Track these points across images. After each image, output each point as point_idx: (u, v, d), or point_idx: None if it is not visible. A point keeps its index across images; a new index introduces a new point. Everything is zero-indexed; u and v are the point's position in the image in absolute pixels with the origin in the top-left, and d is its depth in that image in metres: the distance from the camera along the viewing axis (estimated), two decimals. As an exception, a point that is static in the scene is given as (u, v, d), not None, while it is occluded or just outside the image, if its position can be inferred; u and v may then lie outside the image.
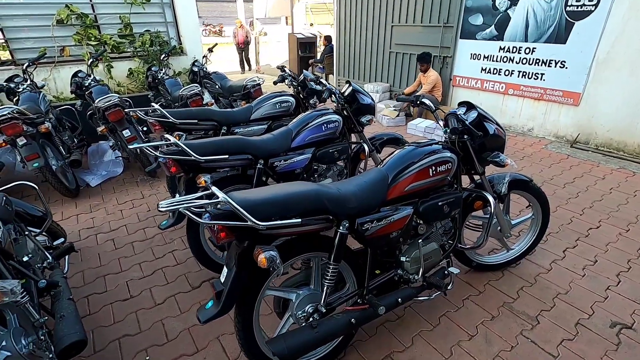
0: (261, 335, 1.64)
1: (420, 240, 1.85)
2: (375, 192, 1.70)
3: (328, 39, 8.76)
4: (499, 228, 2.29)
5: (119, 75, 5.96)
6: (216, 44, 5.56)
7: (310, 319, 1.66)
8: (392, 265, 1.90)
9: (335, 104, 2.85)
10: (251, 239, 1.46)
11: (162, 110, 2.85)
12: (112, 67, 5.81)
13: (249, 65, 11.67)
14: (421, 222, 1.87)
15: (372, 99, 2.89)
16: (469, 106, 2.02)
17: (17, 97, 3.88)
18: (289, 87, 3.57)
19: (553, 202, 3.39)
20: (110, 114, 3.44)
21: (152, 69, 4.99)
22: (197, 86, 3.89)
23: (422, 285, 1.92)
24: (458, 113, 1.88)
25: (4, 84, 3.97)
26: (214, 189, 1.37)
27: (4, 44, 5.18)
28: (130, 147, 1.99)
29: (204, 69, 5.24)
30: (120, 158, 4.23)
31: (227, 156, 2.20)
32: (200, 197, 1.43)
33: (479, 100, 5.78)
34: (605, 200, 3.44)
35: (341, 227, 1.59)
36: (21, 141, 3.15)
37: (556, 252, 2.68)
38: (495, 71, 5.45)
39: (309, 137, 2.60)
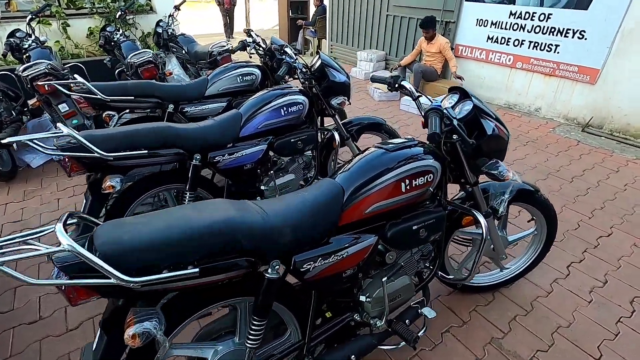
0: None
1: (385, 279, 1.40)
2: (323, 217, 1.22)
3: (319, -2, 7.88)
4: (492, 246, 1.83)
5: (77, 35, 5.28)
6: (184, 1, 4.83)
7: (230, 386, 1.24)
8: (349, 305, 1.46)
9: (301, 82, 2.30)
10: (125, 298, 1.00)
11: (87, 83, 2.30)
12: (68, 25, 5.12)
13: (232, 30, 10.36)
14: (390, 248, 1.41)
15: (347, 76, 2.33)
16: (462, 94, 1.50)
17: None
18: (250, 57, 2.98)
19: (558, 200, 2.93)
20: (39, 85, 2.87)
21: (107, 29, 4.31)
22: (148, 52, 3.28)
23: (386, 331, 1.49)
24: (444, 108, 1.36)
25: None
26: (58, 229, 0.89)
27: None
28: (4, 141, 1.49)
29: (169, 31, 4.56)
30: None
31: (144, 151, 1.69)
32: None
33: (483, 73, 5.15)
34: (618, 199, 2.97)
35: (269, 270, 1.13)
36: None
37: (559, 268, 2.25)
38: (503, 40, 4.78)
39: (264, 124, 2.08)
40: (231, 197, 2.14)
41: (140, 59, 3.21)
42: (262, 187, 2.18)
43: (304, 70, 2.28)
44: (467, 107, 1.44)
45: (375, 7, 6.32)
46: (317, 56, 2.30)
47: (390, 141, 1.44)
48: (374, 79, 1.83)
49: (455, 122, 1.30)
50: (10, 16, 4.83)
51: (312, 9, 8.49)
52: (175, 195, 2.12)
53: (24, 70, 2.88)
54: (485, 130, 1.40)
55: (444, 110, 1.32)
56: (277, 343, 1.38)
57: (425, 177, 1.36)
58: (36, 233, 0.99)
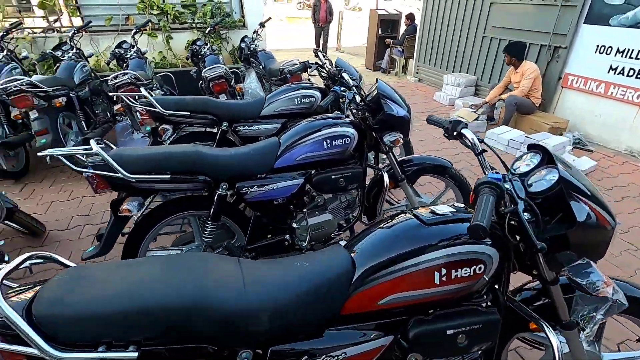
0: None
1: None
2: (320, 303, 0.95)
3: (410, 17, 7.51)
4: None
5: (178, 47, 5.80)
6: (269, 18, 4.97)
7: None
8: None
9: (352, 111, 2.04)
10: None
11: (151, 97, 2.38)
12: (171, 38, 5.66)
13: (325, 49, 10.36)
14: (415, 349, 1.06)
15: (407, 110, 1.98)
16: (546, 155, 1.07)
17: (57, 66, 3.85)
18: (309, 79, 2.81)
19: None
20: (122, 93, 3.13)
21: (197, 42, 4.62)
22: (221, 67, 3.37)
23: None
24: (509, 181, 0.96)
25: (48, 52, 3.97)
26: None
27: (74, 9, 5.34)
28: (40, 154, 1.55)
29: (252, 46, 4.71)
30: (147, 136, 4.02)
31: (168, 176, 1.61)
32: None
33: (598, 110, 4.24)
34: None
35: (238, 363, 0.89)
36: (33, 115, 3.02)
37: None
38: (632, 72, 3.86)
39: (303, 156, 1.87)
40: (258, 230, 1.97)
41: (212, 74, 3.30)
42: (294, 225, 1.97)
43: (357, 99, 2.02)
44: (552, 177, 1.01)
45: (470, 27, 5.75)
46: (375, 84, 2.02)
47: (434, 208, 1.09)
48: (430, 120, 1.48)
49: (521, 207, 0.89)
50: (127, 29, 5.53)
51: (403, 28, 8.18)
52: (201, 221, 2.03)
53: (113, 79, 3.16)
54: (574, 216, 0.96)
55: (507, 188, 0.92)
56: None
57: (472, 269, 0.98)
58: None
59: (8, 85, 2.82)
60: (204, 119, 2.53)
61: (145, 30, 5.01)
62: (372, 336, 0.99)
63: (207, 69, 3.38)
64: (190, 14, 5.77)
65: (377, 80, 2.04)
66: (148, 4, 5.48)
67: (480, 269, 0.99)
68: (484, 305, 1.08)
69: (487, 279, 1.01)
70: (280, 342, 0.92)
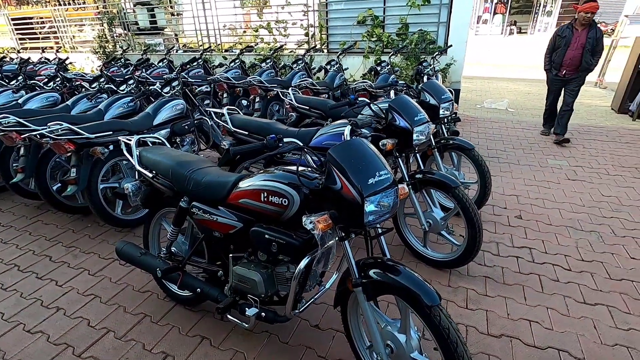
0: None
1: (247, 266, 1.80)
2: (215, 190, 1.86)
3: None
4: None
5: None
6: (450, 45, 5.22)
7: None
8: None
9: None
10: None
11: (290, 95, 3.68)
12: (380, 59, 6.99)
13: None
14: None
15: (416, 124, 2.28)
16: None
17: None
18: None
19: None
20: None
21: (423, 64, 5.32)
22: (366, 82, 4.29)
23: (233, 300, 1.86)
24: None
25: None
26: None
27: (325, 38, 7.56)
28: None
29: (426, 69, 5.24)
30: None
31: (246, 132, 2.81)
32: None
33: None
34: None
35: (182, 200, 1.97)
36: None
37: None
38: None
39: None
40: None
41: (357, 86, 4.29)
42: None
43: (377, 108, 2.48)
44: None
45: None
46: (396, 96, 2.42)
47: (305, 170, 1.71)
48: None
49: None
50: (352, 51, 7.27)
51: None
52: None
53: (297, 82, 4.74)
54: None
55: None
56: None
57: (281, 199, 1.60)
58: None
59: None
60: (316, 113, 3.59)
61: (348, 52, 6.49)
62: (234, 218, 1.80)
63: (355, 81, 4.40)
64: (400, 41, 6.88)
65: (398, 92, 2.44)
66: (371, 33, 7.00)
67: (285, 202, 1.59)
68: (299, 237, 1.63)
69: (290, 211, 1.59)
70: (198, 201, 1.91)
